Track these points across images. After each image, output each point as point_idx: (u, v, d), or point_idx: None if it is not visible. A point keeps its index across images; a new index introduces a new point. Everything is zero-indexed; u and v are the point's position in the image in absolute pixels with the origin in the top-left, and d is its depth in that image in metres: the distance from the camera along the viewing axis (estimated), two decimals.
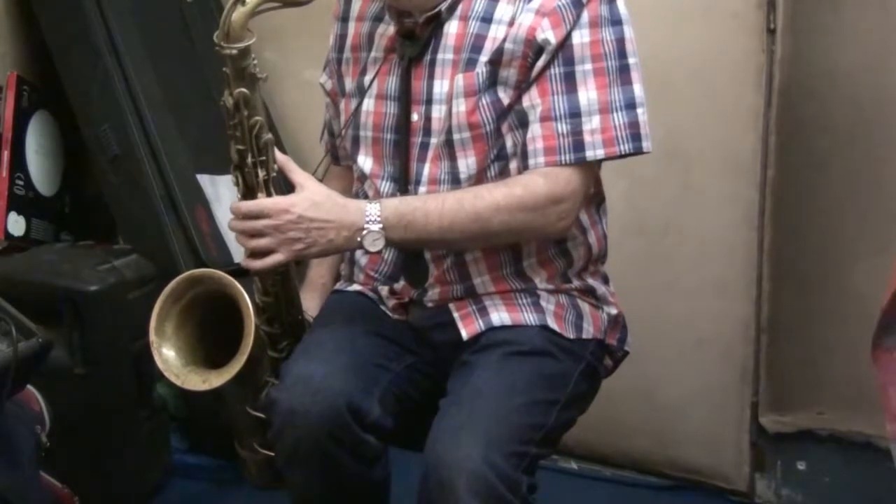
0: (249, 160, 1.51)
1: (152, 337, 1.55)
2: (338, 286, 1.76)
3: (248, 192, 1.53)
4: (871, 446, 2.26)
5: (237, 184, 1.54)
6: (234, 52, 1.45)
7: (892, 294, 1.52)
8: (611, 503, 2.50)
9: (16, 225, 2.47)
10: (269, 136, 1.52)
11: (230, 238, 2.41)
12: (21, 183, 2.49)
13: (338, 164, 1.82)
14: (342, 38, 1.71)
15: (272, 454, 1.61)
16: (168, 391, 2.41)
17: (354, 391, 1.50)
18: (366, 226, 1.50)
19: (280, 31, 2.57)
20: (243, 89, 1.48)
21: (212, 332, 1.58)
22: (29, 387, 1.89)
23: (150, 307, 1.56)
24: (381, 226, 1.50)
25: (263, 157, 1.52)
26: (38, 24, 2.50)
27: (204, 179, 2.48)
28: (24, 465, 1.77)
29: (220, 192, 2.48)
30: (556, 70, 1.52)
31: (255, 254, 1.52)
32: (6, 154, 2.46)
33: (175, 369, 1.55)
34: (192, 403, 2.48)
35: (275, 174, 1.54)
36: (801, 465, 2.40)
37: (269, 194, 1.52)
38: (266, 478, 1.72)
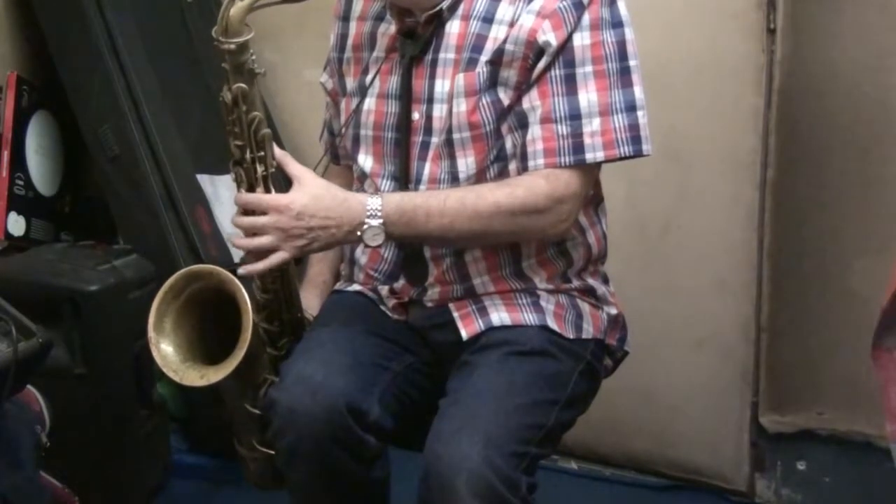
0: (248, 156, 1.51)
1: (151, 333, 1.55)
2: (338, 286, 1.76)
3: (249, 189, 1.53)
4: (871, 446, 2.26)
5: (237, 180, 1.54)
6: (233, 46, 1.45)
7: (892, 294, 1.52)
8: (611, 503, 2.51)
9: (16, 225, 2.47)
10: (268, 131, 1.52)
11: (230, 238, 2.42)
12: (21, 183, 2.49)
13: (337, 163, 1.82)
14: (343, 37, 1.71)
15: (271, 453, 1.61)
16: (168, 391, 2.41)
17: (354, 391, 1.50)
18: (366, 220, 1.50)
19: (280, 30, 2.58)
20: (241, 84, 1.48)
21: (211, 328, 1.58)
22: (29, 387, 1.90)
23: (150, 307, 1.56)
24: (381, 221, 1.50)
25: (262, 153, 1.52)
26: (38, 24, 2.50)
27: (204, 179, 2.48)
28: (24, 465, 1.77)
29: (220, 192, 2.48)
30: (557, 72, 1.52)
31: (257, 254, 1.52)
32: (6, 154, 2.46)
33: (173, 365, 1.55)
34: (192, 403, 2.48)
35: (273, 170, 1.53)
36: (801, 465, 2.40)
37: (268, 190, 1.52)
38: (265, 477, 1.72)
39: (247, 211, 1.52)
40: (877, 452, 2.21)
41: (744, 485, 2.43)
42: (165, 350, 1.55)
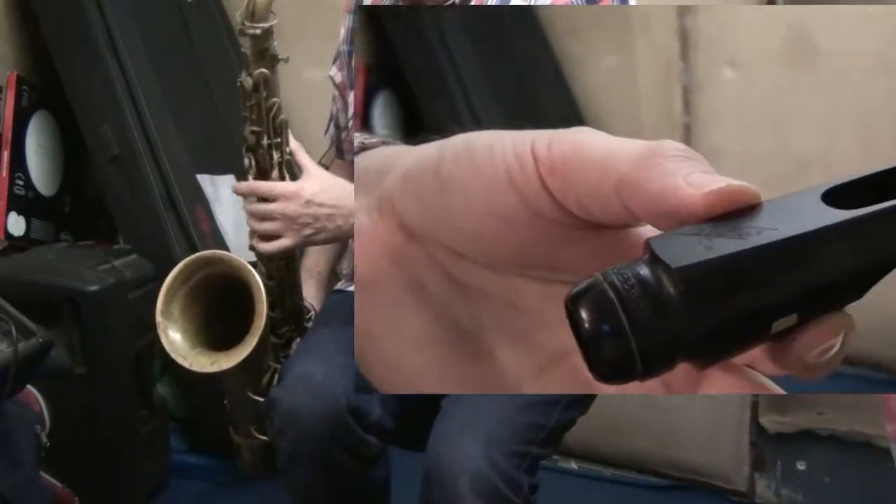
0: (265, 142, 1.51)
1: (159, 318, 1.53)
2: (339, 286, 1.76)
3: (261, 175, 1.53)
4: (871, 446, 2.26)
5: (248, 167, 1.53)
6: (258, 32, 1.45)
7: None
8: (611, 503, 2.50)
9: (16, 225, 2.47)
10: (285, 117, 1.52)
11: (230, 238, 2.42)
12: (21, 183, 2.49)
13: (342, 158, 1.82)
14: (353, 30, 1.72)
15: (268, 440, 1.61)
16: (168, 391, 2.41)
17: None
18: None
19: (279, 30, 2.56)
20: (264, 70, 1.48)
21: (214, 317, 1.58)
22: (29, 387, 1.89)
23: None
24: None
25: (279, 139, 1.52)
26: (38, 24, 2.50)
27: (204, 179, 2.47)
28: (24, 465, 1.77)
29: (220, 192, 2.48)
30: None
31: (264, 236, 1.52)
32: (6, 154, 2.45)
33: (182, 351, 1.54)
34: (193, 403, 2.47)
35: (288, 157, 1.53)
36: (801, 465, 2.40)
37: (282, 176, 1.52)
38: (260, 464, 1.73)
39: (255, 195, 1.52)
40: (877, 452, 2.21)
41: (744, 485, 2.43)
42: (174, 336, 1.54)
